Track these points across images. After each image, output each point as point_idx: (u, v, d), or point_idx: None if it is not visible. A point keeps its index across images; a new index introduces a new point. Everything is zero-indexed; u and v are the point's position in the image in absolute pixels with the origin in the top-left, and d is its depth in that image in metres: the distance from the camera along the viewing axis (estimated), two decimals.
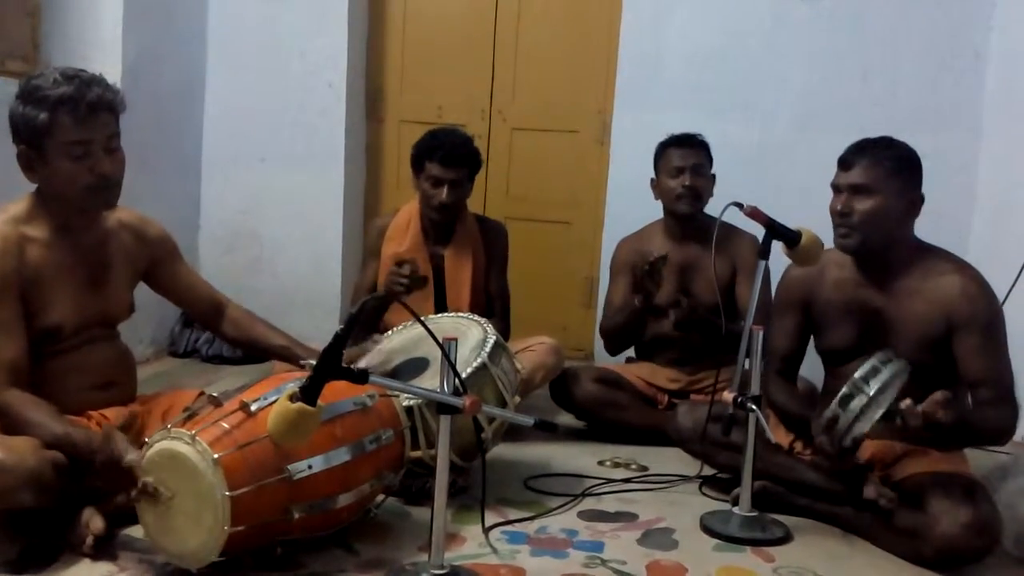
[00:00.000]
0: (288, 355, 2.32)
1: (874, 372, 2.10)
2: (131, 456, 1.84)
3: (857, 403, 2.08)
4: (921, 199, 2.31)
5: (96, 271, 2.15)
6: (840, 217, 2.29)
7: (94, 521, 1.92)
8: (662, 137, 3.21)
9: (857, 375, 2.10)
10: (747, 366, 2.25)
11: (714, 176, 3.16)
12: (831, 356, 2.45)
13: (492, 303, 3.16)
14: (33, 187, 2.08)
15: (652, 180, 3.20)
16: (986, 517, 2.08)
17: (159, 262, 2.32)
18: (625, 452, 2.91)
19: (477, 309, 2.95)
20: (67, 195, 2.03)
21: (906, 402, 2.03)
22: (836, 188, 2.32)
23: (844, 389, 2.11)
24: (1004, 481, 2.40)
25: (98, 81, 2.01)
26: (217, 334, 2.46)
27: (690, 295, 3.06)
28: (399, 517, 2.26)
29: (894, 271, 2.32)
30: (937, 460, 2.24)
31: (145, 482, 1.79)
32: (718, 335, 2.79)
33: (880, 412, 2.07)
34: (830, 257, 2.40)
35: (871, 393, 2.07)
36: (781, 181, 3.62)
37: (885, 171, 2.25)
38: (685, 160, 3.09)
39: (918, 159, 2.31)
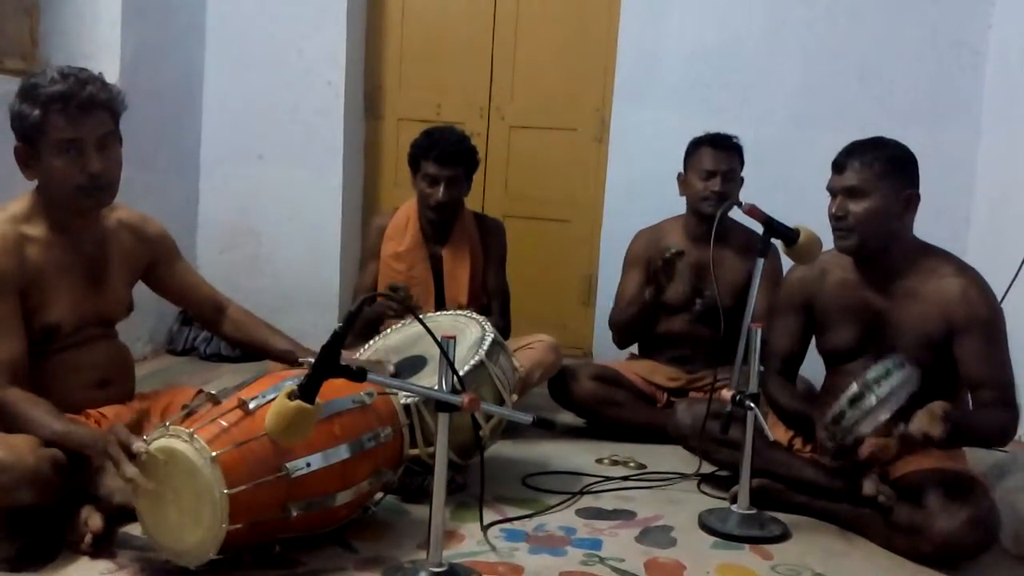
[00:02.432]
0: (290, 360, 2.30)
1: (886, 374, 2.11)
2: (138, 444, 1.81)
3: (866, 403, 2.10)
4: (917, 196, 2.31)
5: (95, 270, 2.15)
6: (836, 220, 2.30)
7: (93, 519, 1.91)
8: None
9: (869, 376, 2.11)
10: (746, 364, 2.25)
11: (743, 179, 3.12)
12: (832, 357, 2.46)
13: (491, 301, 3.16)
14: (32, 187, 2.09)
15: (679, 175, 3.15)
16: (984, 514, 2.09)
17: (158, 261, 2.32)
18: (623, 450, 2.92)
19: (476, 307, 2.96)
20: (60, 193, 2.03)
21: (900, 428, 2.06)
22: (831, 192, 2.33)
23: (854, 388, 2.12)
24: (1002, 479, 2.41)
25: (94, 80, 2.01)
26: (217, 334, 2.45)
27: (704, 293, 3.05)
28: (397, 515, 2.27)
29: (895, 272, 2.33)
30: (936, 457, 2.25)
31: (139, 448, 1.76)
32: (723, 331, 2.79)
33: (884, 416, 2.08)
34: (831, 258, 2.40)
35: (881, 395, 2.08)
36: (779, 179, 3.61)
37: (877, 171, 2.26)
38: (718, 164, 3.04)
39: (912, 157, 2.32)
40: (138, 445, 1.77)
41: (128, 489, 1.81)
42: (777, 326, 2.54)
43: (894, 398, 2.09)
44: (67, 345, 2.09)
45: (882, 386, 2.09)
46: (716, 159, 3.05)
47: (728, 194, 3.03)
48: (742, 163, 3.13)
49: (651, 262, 3.10)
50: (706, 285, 3.05)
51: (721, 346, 2.90)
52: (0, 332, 1.96)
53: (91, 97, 1.98)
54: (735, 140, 3.12)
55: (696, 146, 3.12)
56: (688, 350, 3.14)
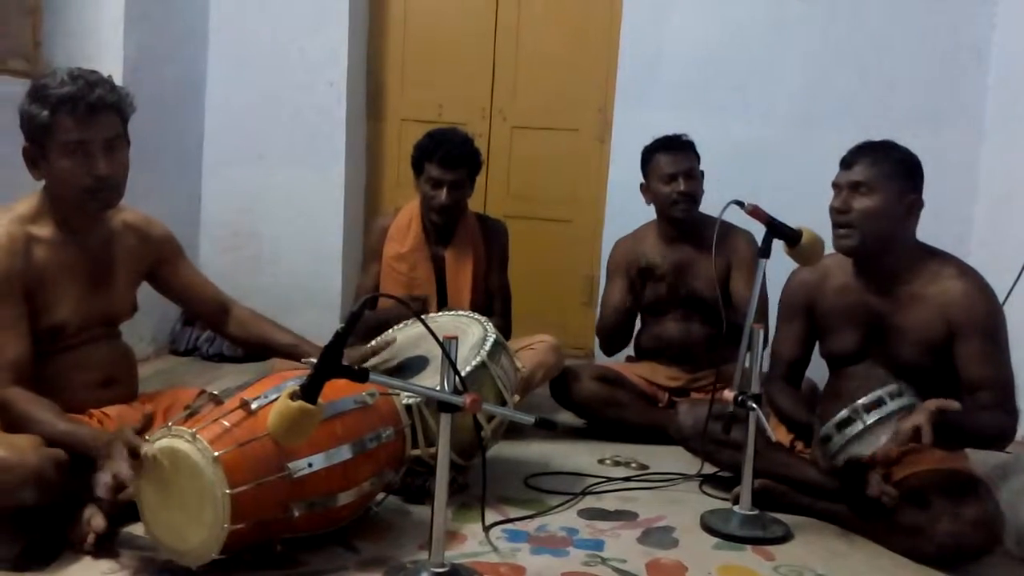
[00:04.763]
0: (296, 353, 2.31)
1: (878, 403, 2.11)
2: (146, 446, 1.82)
3: (852, 429, 2.11)
4: (920, 203, 2.31)
5: (100, 271, 2.16)
6: (838, 214, 2.30)
7: (95, 519, 1.92)
8: (662, 134, 3.20)
9: (860, 402, 2.12)
10: (747, 364, 2.25)
11: (703, 173, 3.14)
12: (835, 360, 2.45)
13: (493, 302, 3.16)
14: (39, 187, 2.09)
15: (642, 185, 3.17)
16: (988, 515, 2.08)
17: (163, 262, 2.33)
18: (625, 450, 2.92)
19: (478, 308, 2.95)
20: (66, 195, 2.04)
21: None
22: (836, 187, 2.32)
23: (844, 413, 2.14)
24: (1005, 480, 2.40)
25: (103, 82, 2.02)
26: (222, 334, 2.46)
27: (686, 294, 3.05)
28: (399, 515, 2.27)
29: (896, 276, 2.32)
30: (939, 458, 2.24)
31: (145, 451, 1.77)
32: (720, 330, 2.79)
33: (879, 442, 2.09)
34: (833, 262, 2.40)
35: (869, 422, 2.09)
36: (781, 179, 3.61)
37: (885, 171, 2.26)
38: (677, 166, 3.06)
39: (919, 163, 2.32)
40: (146, 448, 1.78)
41: (110, 484, 1.82)
42: (780, 331, 2.53)
43: (885, 425, 2.09)
44: (71, 345, 2.10)
45: (871, 414, 2.10)
46: (673, 161, 3.07)
47: (694, 193, 3.06)
48: (699, 158, 3.13)
49: (630, 269, 3.13)
50: (688, 283, 3.05)
51: (717, 343, 2.91)
52: (6, 332, 1.97)
53: (100, 99, 1.99)
54: (686, 138, 3.13)
55: (650, 154, 3.14)
56: (681, 354, 3.14)
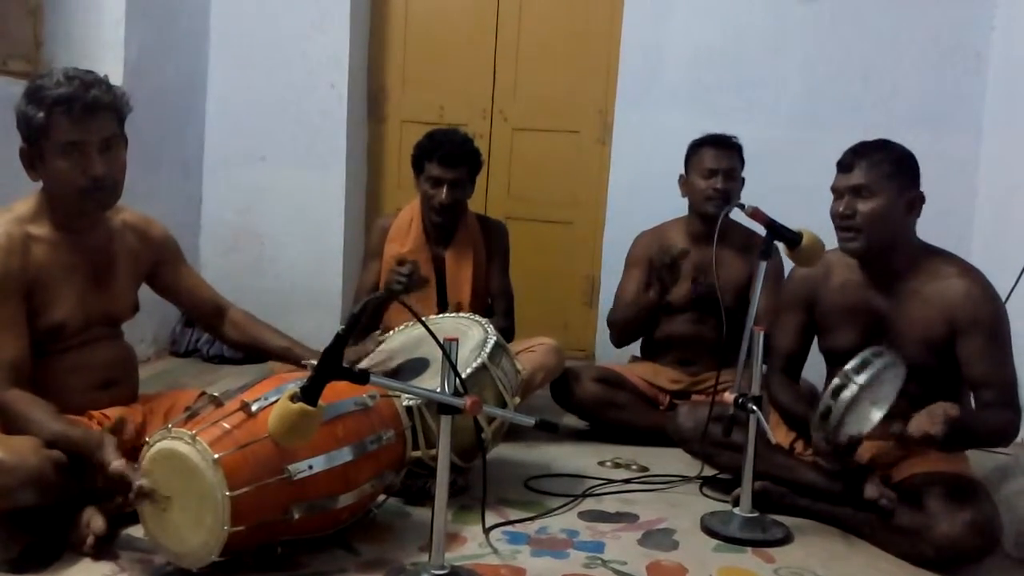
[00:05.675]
0: (289, 357, 2.32)
1: (863, 363, 2.12)
2: (116, 464, 1.84)
3: (848, 394, 2.10)
4: (921, 198, 2.31)
5: (100, 270, 2.16)
6: (843, 220, 2.30)
7: (95, 521, 1.92)
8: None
9: (848, 366, 2.13)
10: (748, 367, 2.25)
11: (744, 180, 3.14)
12: (834, 357, 2.45)
13: (494, 302, 3.17)
14: (38, 187, 2.09)
15: (681, 177, 3.17)
16: (987, 517, 2.08)
17: (162, 263, 2.33)
18: (626, 452, 2.92)
19: (479, 309, 2.96)
20: (63, 195, 2.04)
21: (898, 425, 2.08)
22: (836, 192, 2.32)
23: (835, 380, 2.14)
24: (1004, 482, 2.40)
25: (99, 83, 2.02)
26: (218, 336, 2.46)
27: (698, 279, 3.05)
28: (400, 517, 2.27)
29: (898, 274, 2.33)
30: (938, 460, 2.25)
31: (140, 485, 1.79)
32: (734, 334, 2.79)
33: (878, 416, 2.09)
34: (836, 258, 2.40)
35: (861, 382, 2.09)
36: (782, 181, 3.61)
37: (885, 172, 2.26)
38: (719, 163, 3.07)
39: (915, 159, 2.32)
40: (151, 489, 1.80)
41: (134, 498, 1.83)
42: (780, 324, 2.54)
43: (880, 390, 2.10)
44: (72, 346, 2.10)
45: (861, 374, 2.11)
46: (717, 158, 3.08)
47: (730, 192, 3.05)
48: (742, 163, 3.14)
49: (653, 262, 3.10)
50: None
51: (723, 348, 2.90)
52: (3, 333, 1.96)
53: (95, 100, 1.98)
54: (735, 140, 3.14)
55: (697, 147, 3.15)
56: (691, 352, 3.15)
